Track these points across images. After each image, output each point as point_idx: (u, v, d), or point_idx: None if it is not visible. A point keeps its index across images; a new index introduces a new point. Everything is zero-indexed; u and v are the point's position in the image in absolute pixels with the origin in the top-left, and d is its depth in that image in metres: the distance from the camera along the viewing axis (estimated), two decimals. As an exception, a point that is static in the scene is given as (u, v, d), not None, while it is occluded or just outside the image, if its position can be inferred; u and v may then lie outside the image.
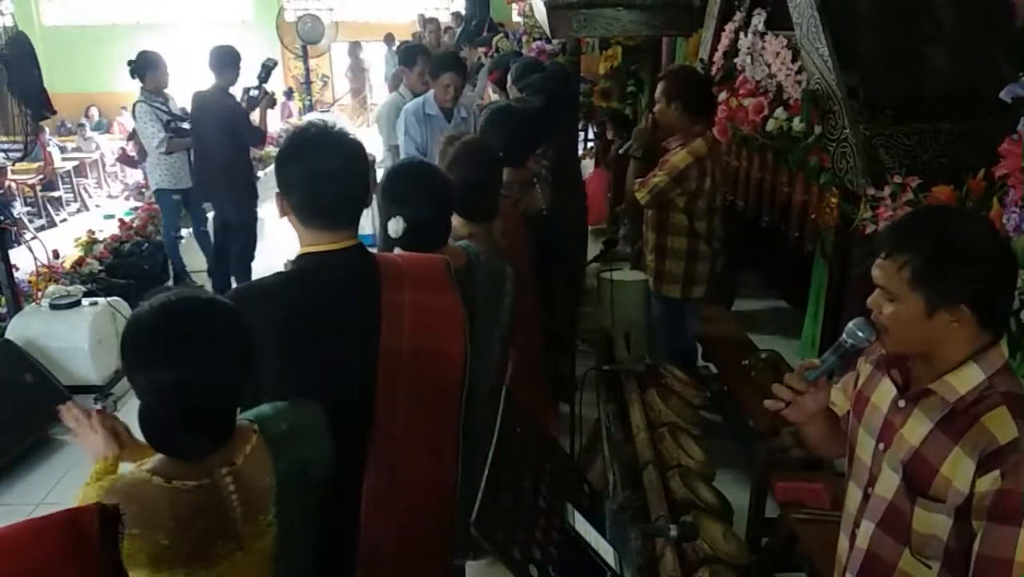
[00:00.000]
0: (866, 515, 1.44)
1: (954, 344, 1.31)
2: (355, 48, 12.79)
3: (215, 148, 4.94)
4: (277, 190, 1.56)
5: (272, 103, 5.49)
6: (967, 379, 1.30)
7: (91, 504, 1.07)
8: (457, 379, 1.64)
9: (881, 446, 1.42)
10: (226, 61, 4.91)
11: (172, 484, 1.18)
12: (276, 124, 9.83)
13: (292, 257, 1.62)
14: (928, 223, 1.36)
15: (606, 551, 1.45)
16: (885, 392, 1.45)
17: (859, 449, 1.49)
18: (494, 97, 5.19)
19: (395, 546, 1.64)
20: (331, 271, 1.55)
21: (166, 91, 5.38)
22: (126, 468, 1.30)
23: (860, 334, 1.42)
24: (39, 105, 3.92)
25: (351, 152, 1.55)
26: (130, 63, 5.19)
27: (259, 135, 5.23)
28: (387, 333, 1.55)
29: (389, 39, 11.61)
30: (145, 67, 5.19)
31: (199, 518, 1.19)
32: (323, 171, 1.51)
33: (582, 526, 1.45)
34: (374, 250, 1.72)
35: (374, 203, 2.17)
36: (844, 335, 1.44)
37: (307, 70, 9.47)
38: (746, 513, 2.69)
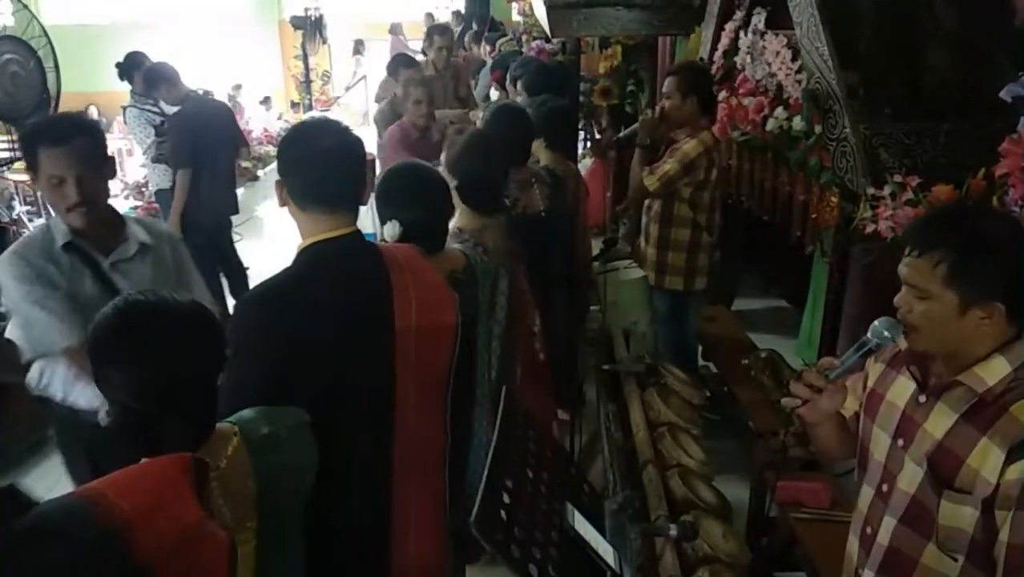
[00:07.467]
0: (887, 511, 1.43)
1: (981, 340, 1.31)
2: (359, 45, 12.80)
3: (227, 162, 4.71)
4: (277, 178, 1.59)
5: None
6: (995, 371, 1.30)
7: (184, 454, 1.10)
8: (451, 351, 1.73)
9: (900, 442, 1.42)
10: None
11: None
12: (275, 124, 9.82)
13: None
14: (960, 219, 1.35)
15: (606, 551, 1.45)
16: (902, 389, 1.45)
17: (873, 447, 1.48)
18: (495, 95, 5.19)
19: (416, 514, 1.70)
20: (341, 258, 1.58)
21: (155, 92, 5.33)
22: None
23: (886, 334, 1.39)
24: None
25: (349, 137, 1.60)
26: (118, 65, 5.10)
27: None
28: (399, 312, 1.61)
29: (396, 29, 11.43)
30: (133, 68, 5.05)
31: None
32: (321, 151, 1.55)
33: (582, 526, 1.45)
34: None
35: (372, 202, 2.18)
36: (869, 334, 1.42)
37: (307, 68, 9.48)
38: (746, 513, 2.69)
